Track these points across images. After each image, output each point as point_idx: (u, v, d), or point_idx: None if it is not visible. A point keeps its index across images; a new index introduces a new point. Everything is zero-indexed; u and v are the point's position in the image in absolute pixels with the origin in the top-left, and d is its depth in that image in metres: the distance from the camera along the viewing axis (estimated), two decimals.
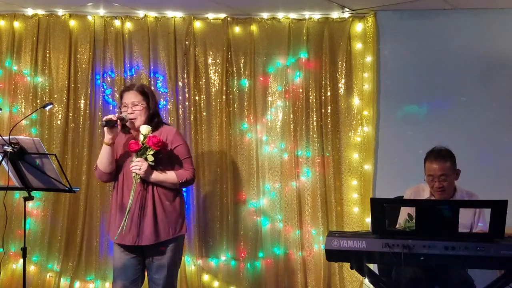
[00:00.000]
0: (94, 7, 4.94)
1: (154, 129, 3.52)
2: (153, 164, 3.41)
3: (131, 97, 3.53)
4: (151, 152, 3.38)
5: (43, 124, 5.01)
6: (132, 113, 3.50)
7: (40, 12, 5.02)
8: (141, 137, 3.41)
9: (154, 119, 3.57)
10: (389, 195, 4.10)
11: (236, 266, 5.04)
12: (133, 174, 3.42)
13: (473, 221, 3.73)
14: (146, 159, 3.39)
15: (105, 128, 3.43)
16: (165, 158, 3.48)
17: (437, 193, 3.70)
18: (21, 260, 3.82)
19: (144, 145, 3.40)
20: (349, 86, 5.03)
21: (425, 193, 3.79)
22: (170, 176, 3.49)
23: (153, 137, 3.41)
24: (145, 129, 3.43)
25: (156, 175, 3.45)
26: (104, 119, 3.42)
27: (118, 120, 3.45)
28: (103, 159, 3.50)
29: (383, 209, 3.26)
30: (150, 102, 3.56)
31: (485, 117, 4.85)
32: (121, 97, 3.61)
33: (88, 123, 4.99)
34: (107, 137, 3.45)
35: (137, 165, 3.39)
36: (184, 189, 3.76)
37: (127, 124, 3.52)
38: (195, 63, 5.07)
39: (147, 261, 3.57)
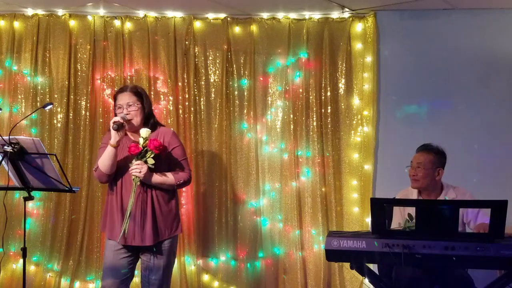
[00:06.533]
0: (94, 7, 4.94)
1: (151, 130, 3.52)
2: (153, 167, 3.41)
3: (126, 98, 3.53)
4: (152, 155, 3.39)
5: (43, 124, 5.01)
6: (128, 114, 3.50)
7: (40, 12, 5.02)
8: (141, 140, 3.41)
9: (149, 120, 3.58)
10: (389, 195, 4.09)
11: (236, 266, 5.04)
12: (133, 177, 3.42)
13: (466, 217, 3.73)
14: (146, 162, 3.40)
15: (113, 131, 3.42)
16: (163, 160, 3.49)
17: (411, 180, 3.82)
18: (21, 260, 3.82)
19: (145, 148, 3.40)
20: (349, 86, 5.03)
21: (413, 196, 3.82)
22: (168, 178, 3.51)
23: (154, 140, 3.41)
24: (145, 132, 3.42)
25: (155, 178, 3.47)
26: (115, 122, 3.41)
27: (125, 122, 3.46)
28: (106, 161, 3.47)
29: (383, 209, 3.26)
30: (144, 102, 3.58)
31: (485, 117, 4.85)
32: (115, 99, 3.61)
33: (88, 123, 4.99)
34: (115, 139, 3.43)
35: (137, 168, 3.39)
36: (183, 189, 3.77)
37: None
38: (195, 63, 5.07)
39: (143, 262, 3.58)
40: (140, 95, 3.58)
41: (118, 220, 3.51)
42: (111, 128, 3.42)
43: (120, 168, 3.51)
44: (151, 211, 3.48)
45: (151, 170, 3.43)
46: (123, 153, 3.51)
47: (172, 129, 3.66)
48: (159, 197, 3.52)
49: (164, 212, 3.53)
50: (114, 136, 3.43)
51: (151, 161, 3.39)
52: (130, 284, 3.66)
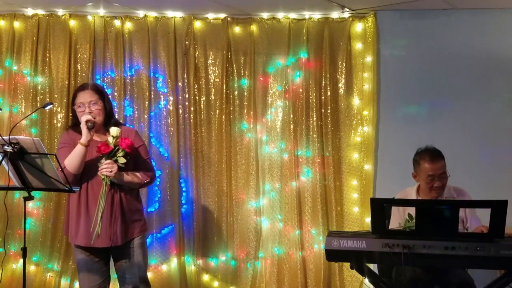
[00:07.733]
0: (94, 7, 4.94)
1: None
2: (123, 166, 3.37)
3: (87, 97, 3.46)
4: (122, 154, 3.34)
5: (43, 124, 5.01)
6: (91, 112, 3.43)
7: (40, 12, 5.02)
8: (111, 139, 3.35)
9: (111, 119, 3.54)
10: (389, 195, 4.08)
11: (236, 266, 5.05)
12: (102, 177, 3.36)
13: (464, 215, 3.73)
14: (115, 161, 3.35)
15: (86, 129, 3.36)
16: (130, 159, 3.44)
17: (436, 191, 3.67)
18: (21, 260, 3.81)
19: (117, 147, 3.35)
20: (349, 86, 5.04)
21: (412, 196, 3.80)
22: (136, 177, 3.48)
23: (126, 139, 3.38)
24: (115, 131, 3.36)
25: (125, 177, 3.43)
26: (89, 120, 3.35)
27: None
28: (75, 161, 3.38)
29: (383, 209, 3.26)
30: (106, 101, 3.53)
31: (485, 117, 4.85)
32: (74, 97, 3.52)
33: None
34: (87, 138, 3.36)
35: (108, 168, 3.33)
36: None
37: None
38: (195, 63, 5.07)
39: (116, 263, 3.55)
40: (102, 93, 3.53)
41: (84, 223, 3.43)
42: (84, 127, 3.35)
43: (85, 169, 3.43)
44: (120, 211, 3.44)
45: (119, 170, 3.38)
46: (89, 153, 3.43)
47: (134, 127, 3.60)
48: (127, 196, 3.48)
49: (132, 211, 3.50)
50: (86, 135, 3.36)
51: (122, 160, 3.33)
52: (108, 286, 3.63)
